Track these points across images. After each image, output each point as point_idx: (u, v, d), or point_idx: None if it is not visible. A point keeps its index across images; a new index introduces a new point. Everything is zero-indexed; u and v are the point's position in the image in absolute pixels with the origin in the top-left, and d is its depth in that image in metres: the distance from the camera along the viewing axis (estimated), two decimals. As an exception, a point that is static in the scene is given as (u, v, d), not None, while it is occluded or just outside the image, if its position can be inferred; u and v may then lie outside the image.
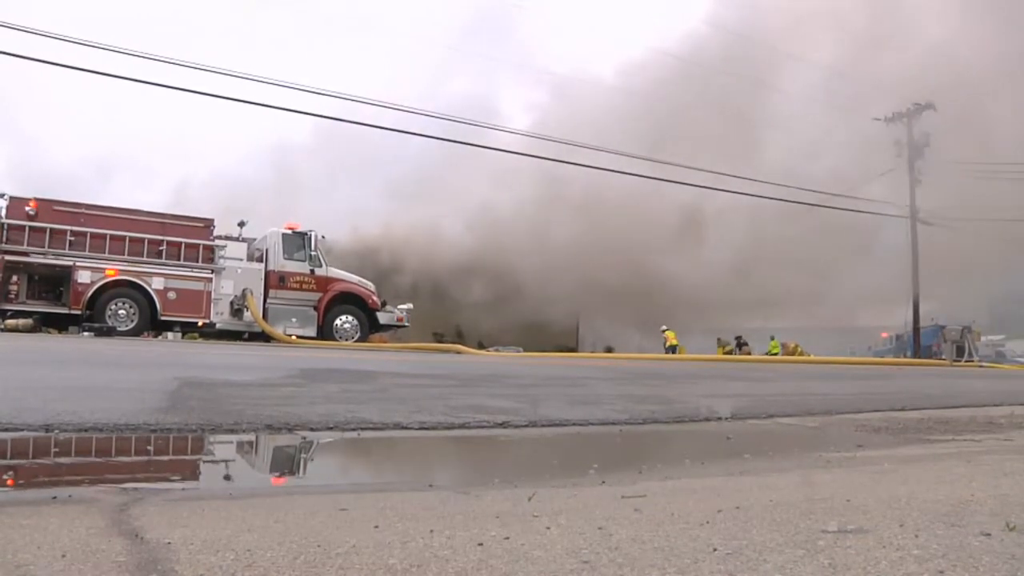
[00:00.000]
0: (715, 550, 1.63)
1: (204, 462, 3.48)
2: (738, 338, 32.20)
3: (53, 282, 16.73)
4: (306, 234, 19.02)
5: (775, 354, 28.86)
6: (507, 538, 1.75)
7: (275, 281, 18.58)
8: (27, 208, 16.22)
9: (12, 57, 15.08)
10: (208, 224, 18.31)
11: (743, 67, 32.94)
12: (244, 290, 17.98)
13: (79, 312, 16.38)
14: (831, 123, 34.94)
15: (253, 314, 17.84)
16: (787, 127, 36.23)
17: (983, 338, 32.63)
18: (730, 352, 30.80)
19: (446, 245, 33.48)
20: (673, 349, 28.98)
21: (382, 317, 19.77)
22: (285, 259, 18.76)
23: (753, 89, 34.02)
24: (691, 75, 34.55)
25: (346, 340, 18.73)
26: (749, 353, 30.78)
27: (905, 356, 29.29)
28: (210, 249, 17.87)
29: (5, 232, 16.01)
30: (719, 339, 32.48)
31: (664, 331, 30.74)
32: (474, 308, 35.93)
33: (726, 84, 33.95)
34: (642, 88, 35.43)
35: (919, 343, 30.13)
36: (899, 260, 30.57)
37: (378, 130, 20.54)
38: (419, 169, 36.94)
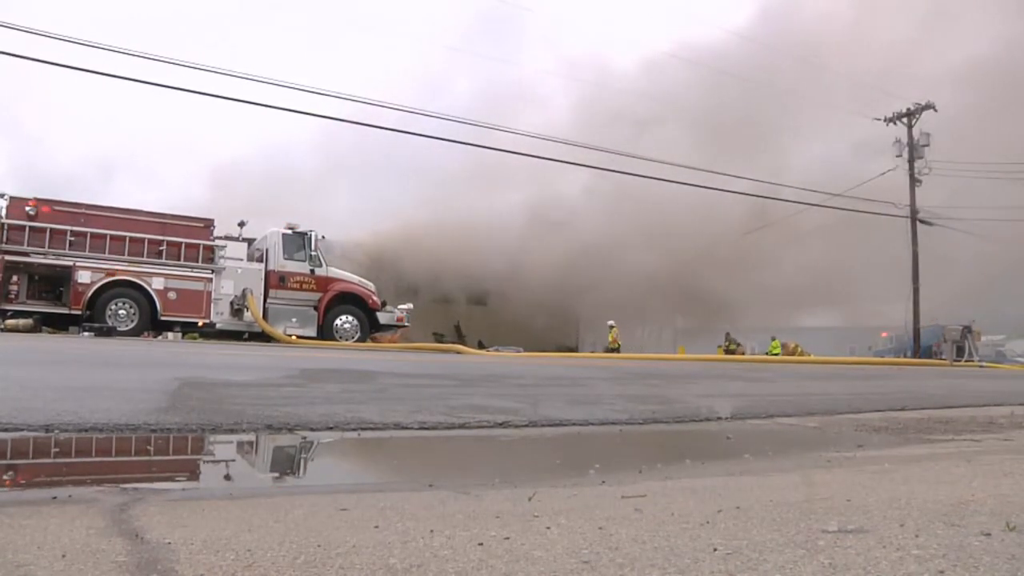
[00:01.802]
0: (715, 550, 1.63)
1: (204, 462, 3.48)
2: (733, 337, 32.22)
3: (53, 282, 16.75)
4: (306, 234, 19.03)
5: (776, 354, 28.88)
6: (507, 538, 1.75)
7: (275, 281, 18.60)
8: (27, 208, 16.24)
9: (12, 57, 15.09)
10: (208, 224, 18.33)
11: (753, 70, 33.01)
12: (244, 290, 18.00)
13: (79, 312, 16.40)
14: (835, 122, 35.04)
15: (253, 314, 17.84)
16: (788, 126, 36.29)
17: (983, 338, 32.60)
18: (733, 350, 30.79)
19: (463, 246, 33.37)
20: (616, 350, 28.26)
21: (382, 317, 19.78)
22: (285, 259, 18.78)
23: (764, 89, 34.10)
24: (696, 75, 34.64)
25: (346, 340, 18.74)
26: (743, 353, 30.82)
27: (905, 356, 29.28)
28: (210, 249, 17.90)
29: (5, 232, 16.03)
30: (727, 333, 32.34)
31: (611, 327, 29.77)
32: (475, 308, 35.96)
33: (735, 85, 34.03)
34: (652, 90, 35.53)
35: (919, 343, 30.12)
36: (900, 260, 30.59)
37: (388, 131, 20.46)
38: (431, 171, 36.99)
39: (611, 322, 29.99)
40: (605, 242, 35.11)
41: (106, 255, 16.68)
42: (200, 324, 17.90)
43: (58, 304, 16.60)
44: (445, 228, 33.55)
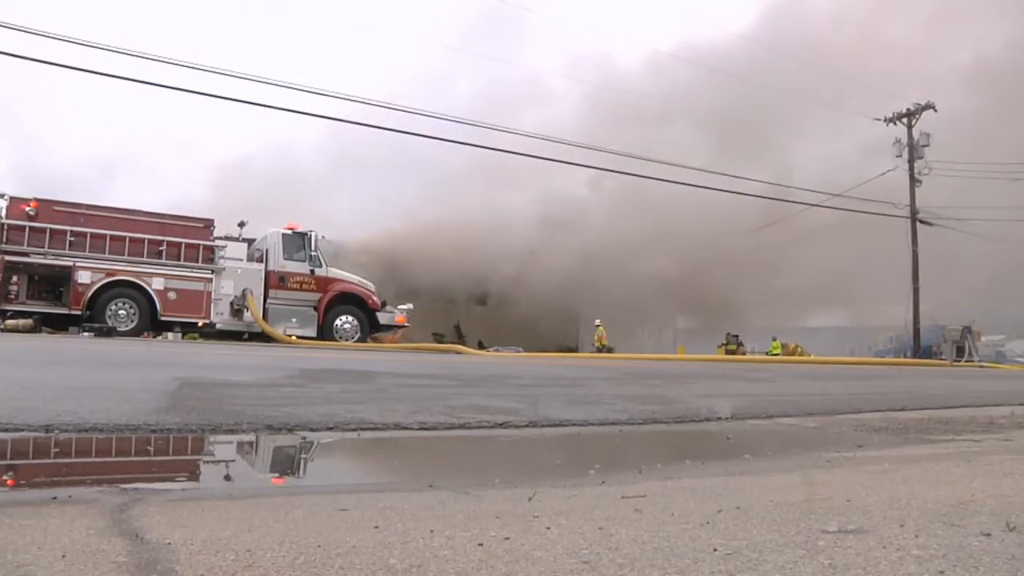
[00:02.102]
0: (715, 550, 1.63)
1: (204, 462, 3.48)
2: (734, 336, 32.23)
3: (53, 282, 16.75)
4: (306, 234, 19.03)
5: (776, 354, 28.87)
6: (507, 538, 1.75)
7: (275, 281, 18.60)
8: (27, 208, 16.24)
9: (12, 57, 15.09)
10: (208, 224, 18.33)
11: (756, 71, 33.07)
12: (244, 290, 18.00)
13: (79, 312, 16.40)
14: (835, 122, 35.08)
15: (253, 314, 17.84)
16: (789, 126, 36.34)
17: (983, 338, 32.61)
18: (733, 350, 30.78)
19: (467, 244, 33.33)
20: (603, 349, 28.42)
21: (382, 317, 19.78)
22: (285, 259, 18.78)
23: (766, 90, 34.14)
24: (698, 76, 34.69)
25: (346, 340, 18.74)
26: (744, 353, 30.84)
27: (905, 356, 29.27)
28: (210, 249, 17.90)
29: (5, 232, 16.03)
30: (728, 333, 32.36)
31: (597, 326, 29.99)
32: (475, 308, 35.96)
33: (736, 85, 34.08)
34: (654, 90, 35.59)
35: (919, 343, 30.12)
36: (900, 260, 30.59)
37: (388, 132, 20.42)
38: (433, 171, 37.05)
39: (597, 321, 30.16)
40: (607, 241, 35.16)
41: (106, 255, 16.68)
42: (200, 324, 17.90)
43: (58, 304, 16.60)
44: (446, 228, 33.56)
